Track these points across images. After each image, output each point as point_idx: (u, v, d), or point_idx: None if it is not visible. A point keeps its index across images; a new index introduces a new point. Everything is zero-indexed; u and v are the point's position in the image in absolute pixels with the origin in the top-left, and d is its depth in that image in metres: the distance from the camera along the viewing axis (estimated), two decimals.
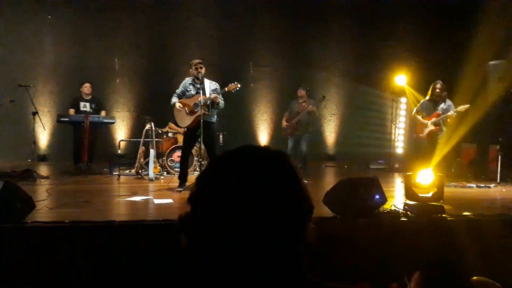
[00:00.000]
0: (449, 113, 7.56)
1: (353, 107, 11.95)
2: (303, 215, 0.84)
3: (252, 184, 0.80)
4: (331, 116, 12.10)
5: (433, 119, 7.69)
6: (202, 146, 6.61)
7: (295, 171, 0.86)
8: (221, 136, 9.21)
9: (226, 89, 6.37)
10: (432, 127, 7.71)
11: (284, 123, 8.47)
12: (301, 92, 8.41)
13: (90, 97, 8.65)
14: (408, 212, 4.46)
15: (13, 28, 10.83)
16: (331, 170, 10.24)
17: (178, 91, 6.55)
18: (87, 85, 8.62)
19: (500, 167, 7.46)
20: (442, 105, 7.71)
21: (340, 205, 4.26)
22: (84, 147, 7.90)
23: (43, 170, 8.74)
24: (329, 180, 8.49)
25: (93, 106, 8.59)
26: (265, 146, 0.89)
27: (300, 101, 8.40)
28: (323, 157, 11.76)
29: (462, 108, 7.54)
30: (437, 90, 7.74)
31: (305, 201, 0.85)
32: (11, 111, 9.97)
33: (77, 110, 8.48)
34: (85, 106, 8.55)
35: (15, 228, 3.61)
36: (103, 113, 8.63)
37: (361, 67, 11.84)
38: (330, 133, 12.09)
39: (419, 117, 7.92)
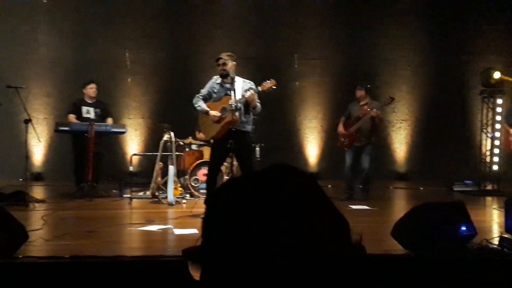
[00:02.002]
0: None
1: (431, 110, 11.75)
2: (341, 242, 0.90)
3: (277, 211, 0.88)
4: (401, 123, 11.94)
5: None
6: (234, 162, 6.65)
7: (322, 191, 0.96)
8: (257, 148, 9.26)
9: (259, 88, 6.40)
10: None
11: (340, 131, 8.43)
12: (360, 92, 8.36)
13: (94, 100, 8.87)
14: (506, 249, 4.33)
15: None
16: (401, 193, 10.10)
17: (203, 92, 6.61)
18: (93, 86, 8.82)
19: None
20: None
21: (414, 239, 4.19)
22: (88, 163, 8.08)
23: (38, 192, 9.01)
24: (400, 206, 8.37)
25: (97, 112, 8.78)
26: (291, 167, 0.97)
27: (361, 103, 8.35)
28: (391, 176, 11.57)
29: None
30: None
31: (337, 219, 0.92)
32: None
33: (79, 117, 8.68)
34: (88, 112, 8.73)
35: (2, 265, 3.73)
36: (109, 120, 8.82)
37: (442, 59, 11.66)
38: (400, 144, 11.92)
39: (506, 126, 7.78)
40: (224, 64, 6.40)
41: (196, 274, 0.93)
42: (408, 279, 3.67)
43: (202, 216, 5.21)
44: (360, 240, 0.92)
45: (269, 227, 0.86)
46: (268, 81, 6.42)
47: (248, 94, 6.24)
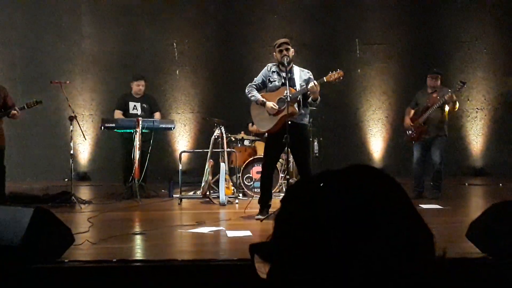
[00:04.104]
0: None
1: (510, 98, 11.43)
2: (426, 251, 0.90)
3: (360, 212, 0.88)
4: (476, 112, 11.65)
5: None
6: (290, 158, 6.64)
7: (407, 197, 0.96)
8: (315, 143, 9.21)
9: (325, 79, 6.35)
10: None
11: (407, 122, 8.29)
12: (432, 80, 8.17)
13: (141, 95, 9.03)
14: None
15: (41, 6, 11.61)
16: (478, 190, 9.88)
17: (256, 80, 6.60)
18: (140, 83, 8.97)
19: None
20: None
21: (492, 241, 4.08)
22: (135, 161, 8.23)
23: (84, 192, 9.27)
24: (476, 205, 8.19)
25: (145, 106, 8.95)
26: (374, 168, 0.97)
27: (430, 91, 8.18)
28: (466, 171, 11.34)
29: None
30: None
31: (420, 230, 0.92)
32: (42, 116, 10.70)
33: (126, 113, 8.87)
34: (135, 108, 8.91)
35: (48, 269, 3.85)
36: (157, 115, 8.97)
37: None
38: (476, 136, 11.64)
39: None
40: (288, 50, 6.38)
41: (261, 270, 0.94)
42: (485, 286, 3.58)
43: (262, 216, 5.24)
44: (444, 255, 0.91)
45: (348, 233, 0.86)
46: (335, 72, 6.36)
47: (311, 85, 6.19)
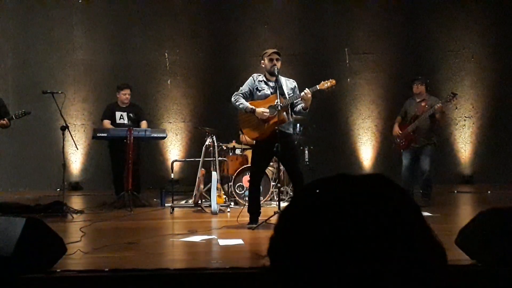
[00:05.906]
0: None
1: (498, 106, 11.49)
2: (433, 266, 0.89)
3: (360, 225, 0.86)
4: (464, 120, 11.70)
5: None
6: (281, 166, 6.63)
7: (417, 207, 0.93)
8: (306, 151, 9.22)
9: (318, 87, 6.37)
10: None
11: (396, 131, 8.33)
12: (419, 87, 8.23)
13: (127, 104, 9.02)
14: None
15: (33, 16, 11.61)
16: (466, 198, 9.91)
17: (243, 89, 6.58)
18: (126, 92, 8.94)
19: None
20: None
21: (481, 248, 4.09)
22: (128, 171, 8.23)
23: (76, 202, 9.24)
24: (465, 212, 8.22)
25: (131, 115, 8.93)
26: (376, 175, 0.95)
27: (418, 100, 8.23)
28: (455, 179, 11.37)
29: None
30: None
31: (434, 247, 0.91)
32: (33, 126, 10.66)
33: (112, 123, 8.87)
34: (122, 118, 8.90)
35: (40, 279, 3.83)
36: (144, 124, 8.95)
37: (509, 49, 11.37)
38: (464, 144, 11.68)
39: None
40: (278, 60, 6.42)
41: None
42: None
43: (254, 225, 5.18)
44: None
45: (357, 247, 0.84)
46: (327, 80, 6.39)
47: (304, 92, 6.19)
